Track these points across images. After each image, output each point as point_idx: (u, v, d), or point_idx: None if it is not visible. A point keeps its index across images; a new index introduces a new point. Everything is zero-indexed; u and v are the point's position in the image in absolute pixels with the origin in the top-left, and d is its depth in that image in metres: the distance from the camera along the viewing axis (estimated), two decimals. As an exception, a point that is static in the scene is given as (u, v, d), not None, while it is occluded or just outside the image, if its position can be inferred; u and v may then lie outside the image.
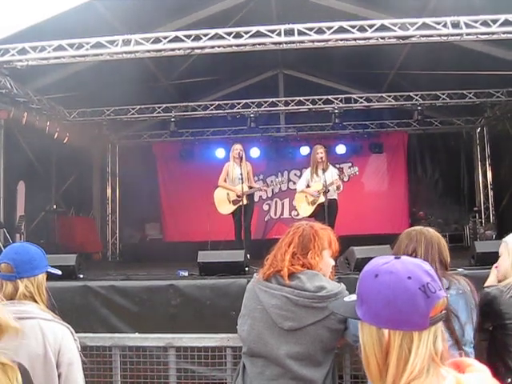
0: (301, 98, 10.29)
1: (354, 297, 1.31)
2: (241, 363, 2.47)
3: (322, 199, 7.06)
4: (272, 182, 8.50)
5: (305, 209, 7.38)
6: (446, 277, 2.31)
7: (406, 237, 2.41)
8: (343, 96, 10.26)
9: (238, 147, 7.41)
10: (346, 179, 7.70)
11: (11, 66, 7.11)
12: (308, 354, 2.25)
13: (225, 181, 7.54)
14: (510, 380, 2.27)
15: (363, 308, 1.21)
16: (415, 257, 2.25)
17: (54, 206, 10.58)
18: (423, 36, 6.54)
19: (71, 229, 10.68)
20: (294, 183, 9.16)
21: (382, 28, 6.47)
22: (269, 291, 2.32)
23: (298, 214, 7.99)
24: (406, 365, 1.15)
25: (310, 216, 7.21)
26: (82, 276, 5.34)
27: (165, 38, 6.76)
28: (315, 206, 7.19)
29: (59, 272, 2.36)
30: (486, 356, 2.49)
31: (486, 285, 2.87)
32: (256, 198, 9.43)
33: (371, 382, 1.23)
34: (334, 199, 7.20)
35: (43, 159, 10.02)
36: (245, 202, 7.21)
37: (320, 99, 10.21)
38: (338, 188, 7.10)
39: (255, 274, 2.51)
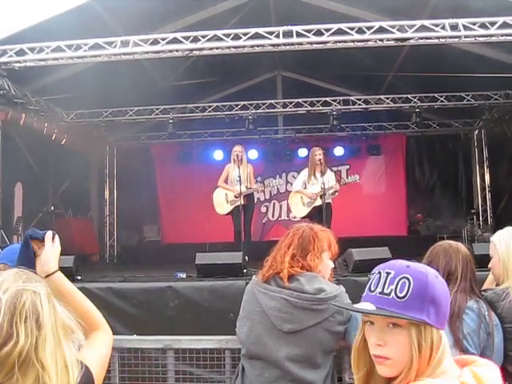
0: (299, 100, 10.29)
1: (368, 305, 1.20)
2: (240, 365, 2.47)
3: (318, 202, 7.06)
4: (270, 183, 8.43)
5: (299, 209, 7.37)
6: (472, 295, 2.36)
7: (443, 253, 2.43)
8: (341, 98, 10.27)
9: (236, 149, 7.38)
10: (343, 184, 7.67)
11: (9, 67, 7.09)
12: (307, 356, 2.25)
13: (225, 182, 7.54)
14: None
15: (431, 311, 1.16)
16: (453, 274, 2.36)
17: (52, 208, 10.54)
18: (421, 38, 6.54)
19: (69, 230, 10.61)
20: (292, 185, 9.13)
21: (381, 30, 6.46)
22: (268, 293, 2.32)
23: (295, 217, 7.97)
24: (441, 360, 1.17)
25: (303, 217, 7.21)
26: (79, 278, 5.31)
27: (163, 39, 6.75)
28: (310, 208, 7.18)
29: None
30: None
31: (484, 287, 2.87)
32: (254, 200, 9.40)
33: (397, 376, 1.19)
34: (329, 203, 7.17)
35: (41, 161, 9.98)
36: (242, 202, 7.19)
37: (318, 101, 10.21)
38: (334, 193, 7.10)
39: (254, 276, 2.50)
